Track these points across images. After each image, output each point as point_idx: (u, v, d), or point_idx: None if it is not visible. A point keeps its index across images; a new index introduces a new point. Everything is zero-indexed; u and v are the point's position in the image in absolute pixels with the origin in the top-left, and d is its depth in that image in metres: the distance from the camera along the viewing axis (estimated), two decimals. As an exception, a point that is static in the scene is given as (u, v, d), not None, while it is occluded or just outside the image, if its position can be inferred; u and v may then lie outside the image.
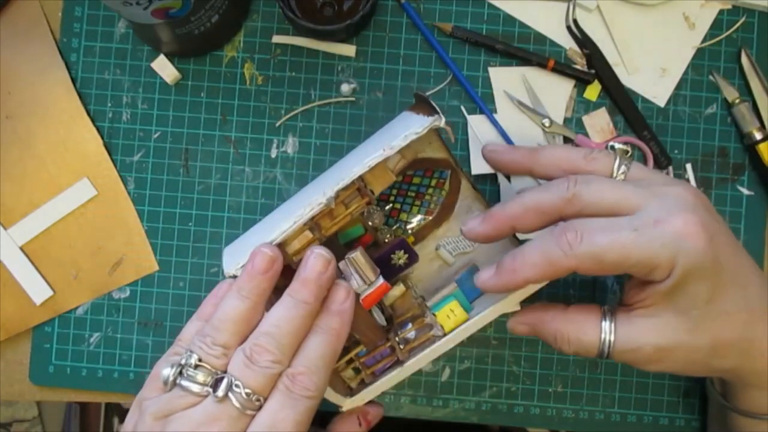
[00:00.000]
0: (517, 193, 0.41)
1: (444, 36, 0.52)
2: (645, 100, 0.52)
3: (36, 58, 0.52)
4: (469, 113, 0.52)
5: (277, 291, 0.39)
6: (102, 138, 0.52)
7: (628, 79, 0.52)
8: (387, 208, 0.48)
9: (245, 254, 0.40)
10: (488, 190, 0.52)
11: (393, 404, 0.52)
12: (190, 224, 0.52)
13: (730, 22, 0.52)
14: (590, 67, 0.52)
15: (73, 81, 0.52)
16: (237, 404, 0.36)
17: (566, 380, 0.52)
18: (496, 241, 0.42)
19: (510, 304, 0.43)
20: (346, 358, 0.44)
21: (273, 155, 0.52)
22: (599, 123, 0.52)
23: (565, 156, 0.41)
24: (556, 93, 0.52)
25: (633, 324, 0.39)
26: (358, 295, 0.41)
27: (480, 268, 0.43)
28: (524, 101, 0.52)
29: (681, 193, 0.38)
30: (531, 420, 0.52)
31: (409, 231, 0.48)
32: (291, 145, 0.52)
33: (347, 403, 0.44)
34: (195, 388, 0.36)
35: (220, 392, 0.36)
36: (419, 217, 0.48)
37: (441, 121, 0.40)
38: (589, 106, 0.52)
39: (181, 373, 0.37)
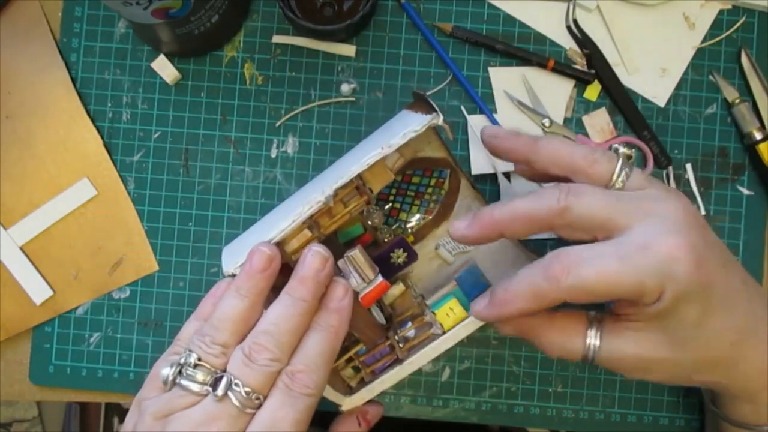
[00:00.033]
0: (507, 198, 0.41)
1: (444, 36, 0.52)
2: (645, 100, 0.52)
3: (36, 58, 0.52)
4: (469, 113, 0.52)
5: (276, 290, 0.39)
6: (102, 138, 0.52)
7: (628, 79, 0.52)
8: (386, 207, 0.48)
9: (244, 253, 0.40)
10: (488, 189, 0.52)
11: (393, 404, 0.52)
12: (190, 224, 0.52)
13: (730, 22, 0.52)
14: (590, 67, 0.52)
15: (73, 81, 0.52)
16: (237, 403, 0.36)
17: (566, 380, 0.52)
18: (484, 244, 0.42)
19: None
20: (346, 356, 0.44)
21: (273, 155, 0.52)
22: (599, 123, 0.52)
23: (566, 153, 0.40)
24: (556, 93, 0.52)
25: (619, 335, 0.39)
26: (357, 294, 0.41)
27: (476, 295, 0.42)
28: (524, 101, 0.52)
29: (671, 212, 0.37)
30: (531, 420, 0.52)
31: (409, 230, 0.48)
32: (291, 145, 0.52)
33: (347, 402, 0.44)
34: (194, 387, 0.36)
35: (220, 391, 0.36)
36: (419, 216, 0.48)
37: (439, 119, 0.40)
38: (589, 106, 0.52)
39: (180, 372, 0.37)
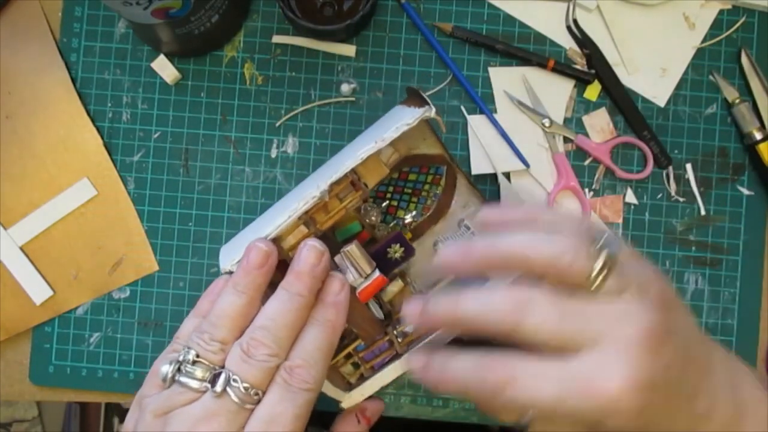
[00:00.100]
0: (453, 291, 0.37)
1: (444, 36, 0.52)
2: (645, 100, 0.52)
3: (36, 58, 0.52)
4: (469, 113, 0.52)
5: (274, 286, 0.39)
6: (102, 138, 0.52)
7: (628, 79, 0.52)
8: (384, 205, 0.48)
9: (241, 251, 0.40)
10: (488, 189, 0.52)
11: (393, 404, 0.52)
12: (190, 224, 0.52)
13: (730, 22, 0.52)
14: (590, 67, 0.52)
15: (73, 81, 0.52)
16: (235, 399, 0.36)
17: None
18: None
19: None
20: (345, 352, 0.44)
21: (273, 155, 0.52)
22: (599, 123, 0.52)
23: (536, 252, 0.35)
24: (556, 93, 0.52)
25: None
26: (354, 289, 0.41)
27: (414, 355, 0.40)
28: (524, 101, 0.52)
29: (633, 334, 0.34)
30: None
31: (407, 228, 0.48)
32: (291, 145, 0.52)
33: (346, 398, 0.44)
34: (193, 384, 0.36)
35: (218, 387, 0.36)
36: (416, 213, 0.48)
37: (431, 112, 0.40)
38: (589, 106, 0.52)
39: (179, 369, 0.37)
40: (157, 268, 0.52)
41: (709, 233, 0.52)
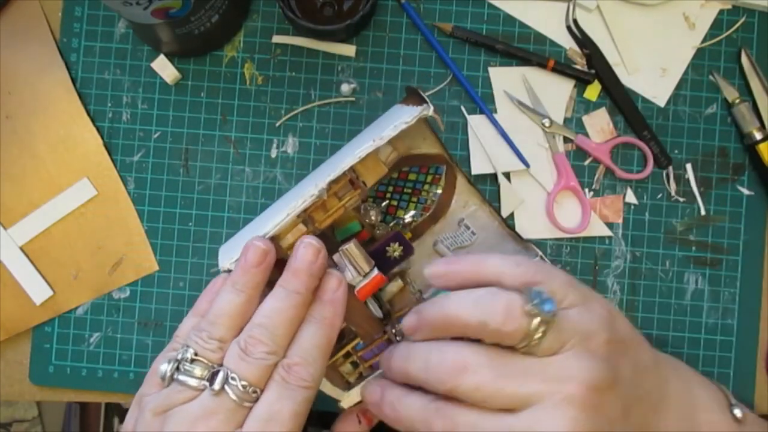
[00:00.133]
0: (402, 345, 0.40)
1: (444, 36, 0.52)
2: (645, 100, 0.52)
3: (36, 58, 0.52)
4: (469, 113, 0.52)
5: (272, 285, 0.39)
6: (102, 138, 0.52)
7: (628, 79, 0.52)
8: (383, 204, 0.48)
9: (239, 249, 0.40)
10: (488, 189, 0.52)
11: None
12: (190, 224, 0.52)
13: (730, 22, 0.52)
14: (590, 67, 0.52)
15: (73, 81, 0.52)
16: (234, 397, 0.36)
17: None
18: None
19: None
20: (343, 351, 0.44)
21: (273, 155, 0.52)
22: (599, 123, 0.52)
23: (467, 315, 0.36)
24: (556, 93, 0.52)
25: None
26: (353, 287, 0.41)
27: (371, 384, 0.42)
28: (524, 101, 0.52)
29: (566, 394, 0.35)
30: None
31: (407, 227, 0.48)
32: (291, 145, 0.52)
33: (345, 397, 0.44)
34: (192, 382, 0.36)
35: (216, 385, 0.36)
36: (415, 213, 0.48)
37: (429, 110, 0.40)
38: (589, 106, 0.52)
39: (178, 368, 0.37)
40: (157, 268, 0.52)
41: (709, 233, 0.52)
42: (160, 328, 0.52)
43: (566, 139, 0.52)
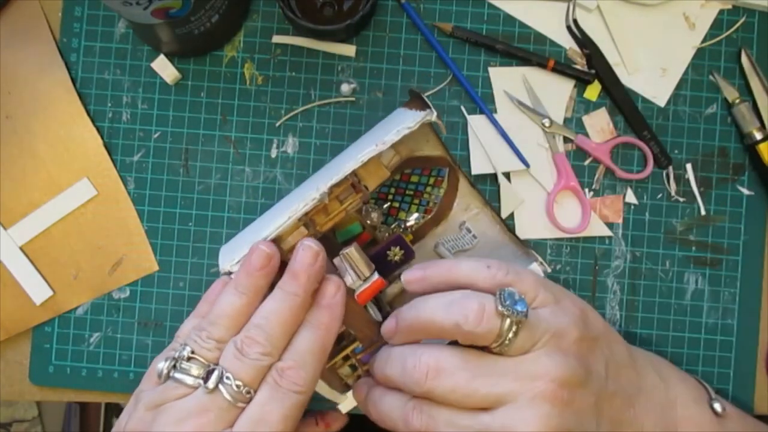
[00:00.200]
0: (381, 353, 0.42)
1: (444, 36, 0.52)
2: (645, 100, 0.52)
3: (36, 58, 0.52)
4: (469, 113, 0.52)
5: (272, 287, 0.39)
6: (102, 138, 0.52)
7: (628, 79, 0.52)
8: (385, 206, 0.48)
9: (240, 251, 0.40)
10: (488, 189, 0.52)
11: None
12: (190, 224, 0.52)
13: (730, 22, 0.52)
14: (590, 67, 0.52)
15: (73, 81, 0.52)
16: (227, 396, 0.36)
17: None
18: None
19: None
20: (342, 354, 0.44)
21: (273, 155, 0.52)
22: (599, 123, 0.52)
23: (440, 318, 0.38)
24: (556, 93, 0.52)
25: None
26: (353, 291, 0.41)
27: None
28: (524, 101, 0.52)
29: (537, 391, 0.36)
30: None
31: (408, 229, 0.48)
32: (291, 145, 0.52)
33: (343, 400, 0.44)
34: (188, 380, 0.37)
35: (211, 384, 0.36)
36: (417, 215, 0.48)
37: (433, 116, 0.40)
38: (589, 106, 0.52)
39: (175, 366, 0.37)
40: (157, 268, 0.52)
41: (709, 233, 0.52)
42: (160, 328, 0.52)
43: (566, 139, 0.52)
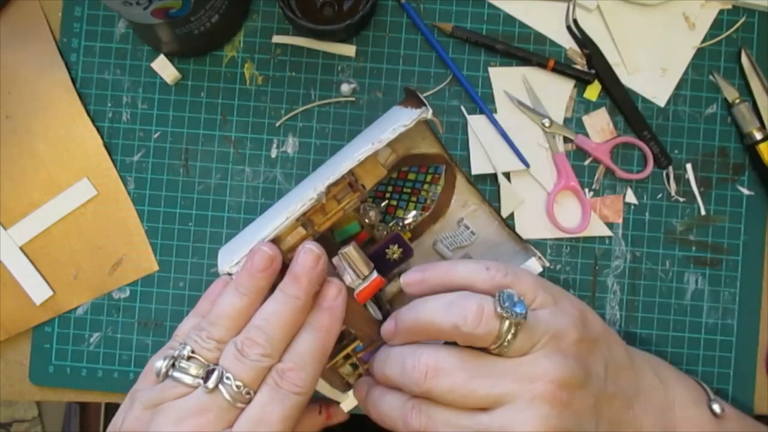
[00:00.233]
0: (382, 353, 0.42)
1: (444, 36, 0.52)
2: (645, 100, 0.52)
3: (36, 58, 0.52)
4: (469, 113, 0.52)
5: (273, 289, 0.39)
6: (102, 138, 0.52)
7: (628, 79, 0.52)
8: (383, 204, 0.48)
9: (239, 252, 0.40)
10: (488, 189, 0.52)
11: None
12: (190, 224, 0.52)
13: (730, 22, 0.52)
14: (590, 67, 0.52)
15: (73, 81, 0.52)
16: (227, 396, 0.36)
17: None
18: None
19: None
20: (343, 353, 0.44)
21: (273, 155, 0.52)
22: (599, 123, 0.52)
23: (439, 320, 0.38)
24: (556, 93, 0.52)
25: None
26: (352, 290, 0.41)
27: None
28: (524, 101, 0.52)
29: (536, 392, 0.37)
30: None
31: (406, 227, 0.48)
32: (291, 145, 0.52)
33: (345, 399, 0.44)
34: (186, 379, 0.37)
35: (211, 383, 0.36)
36: (415, 212, 0.48)
37: (428, 113, 0.40)
38: (589, 106, 0.52)
39: (173, 365, 0.37)
40: (157, 268, 0.52)
41: (709, 233, 0.52)
42: (160, 328, 0.52)
43: (566, 139, 0.52)
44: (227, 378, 0.36)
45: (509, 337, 0.37)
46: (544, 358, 0.38)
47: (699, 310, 0.52)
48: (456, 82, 0.52)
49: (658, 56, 0.52)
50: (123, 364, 0.52)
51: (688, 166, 0.52)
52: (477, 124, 0.52)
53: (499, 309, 0.37)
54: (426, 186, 0.48)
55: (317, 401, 0.46)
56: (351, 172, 0.40)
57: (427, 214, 0.48)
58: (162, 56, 0.52)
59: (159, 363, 0.38)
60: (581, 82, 0.52)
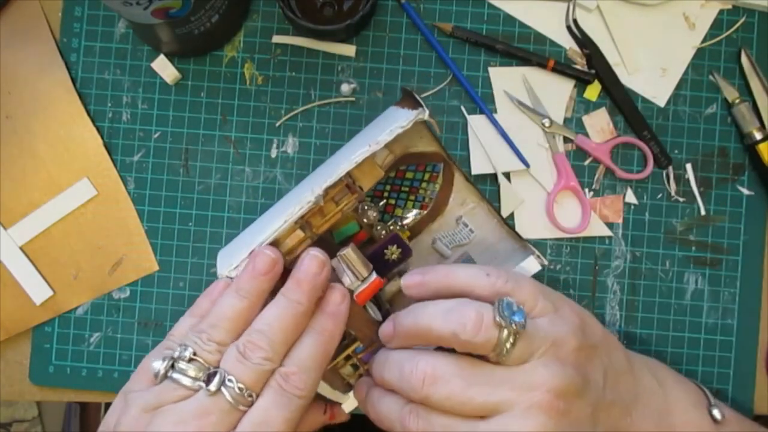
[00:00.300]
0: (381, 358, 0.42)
1: (444, 36, 0.52)
2: (645, 100, 0.52)
3: (36, 58, 0.52)
4: (469, 113, 0.52)
5: (273, 292, 0.39)
6: (102, 138, 0.52)
7: (628, 79, 0.52)
8: (381, 204, 0.48)
9: (238, 255, 0.40)
10: (488, 189, 0.52)
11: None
12: (190, 224, 0.52)
13: (730, 22, 0.52)
14: (590, 67, 0.52)
15: (73, 81, 0.52)
16: (230, 399, 0.36)
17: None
18: None
19: None
20: (344, 354, 0.44)
21: (273, 155, 0.52)
22: (599, 123, 0.52)
23: (438, 327, 0.38)
24: (556, 93, 0.52)
25: None
26: (351, 292, 0.41)
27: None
28: (524, 101, 0.52)
29: (533, 402, 0.37)
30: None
31: (405, 226, 0.48)
32: (291, 145, 0.52)
33: (346, 400, 0.44)
34: (187, 381, 0.36)
35: (213, 386, 0.36)
36: (414, 211, 0.48)
37: (425, 114, 0.40)
38: (589, 106, 0.52)
39: (173, 366, 0.37)
40: (157, 268, 0.52)
41: (709, 233, 0.52)
42: (160, 328, 0.52)
43: (566, 139, 0.52)
44: (229, 380, 0.36)
45: (508, 345, 0.37)
46: (542, 367, 0.38)
47: (699, 310, 0.52)
48: (456, 82, 0.52)
49: (658, 56, 0.52)
50: (123, 364, 0.52)
51: (688, 166, 0.52)
52: (477, 124, 0.52)
53: (498, 317, 0.37)
54: (424, 184, 0.48)
55: (322, 400, 0.46)
56: (348, 174, 0.40)
57: (426, 212, 0.48)
58: (162, 56, 0.52)
59: (157, 364, 0.37)
60: (581, 82, 0.52)
